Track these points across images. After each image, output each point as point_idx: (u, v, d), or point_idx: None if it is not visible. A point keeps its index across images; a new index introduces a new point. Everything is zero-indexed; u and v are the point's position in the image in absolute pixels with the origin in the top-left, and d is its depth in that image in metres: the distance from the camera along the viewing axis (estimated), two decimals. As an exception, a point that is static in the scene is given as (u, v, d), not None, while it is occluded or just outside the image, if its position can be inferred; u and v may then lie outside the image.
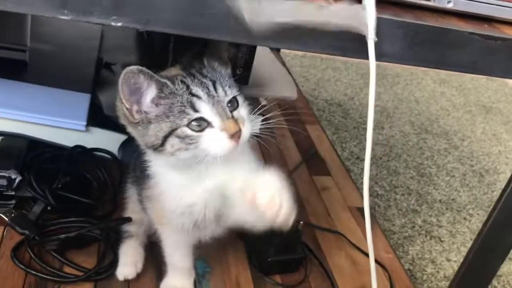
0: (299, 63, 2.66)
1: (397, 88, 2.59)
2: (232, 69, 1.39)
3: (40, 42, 1.18)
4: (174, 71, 0.76)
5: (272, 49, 2.04)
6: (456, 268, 1.49)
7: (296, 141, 1.52)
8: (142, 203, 0.93)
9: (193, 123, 0.70)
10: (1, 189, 1.01)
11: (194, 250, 0.92)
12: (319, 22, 0.56)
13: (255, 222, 0.78)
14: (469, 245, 1.58)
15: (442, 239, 1.60)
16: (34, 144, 1.12)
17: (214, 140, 0.70)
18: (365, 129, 2.07)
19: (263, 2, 0.55)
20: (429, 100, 2.56)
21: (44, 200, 1.00)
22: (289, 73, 1.91)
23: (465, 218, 1.71)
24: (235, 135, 0.70)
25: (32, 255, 0.93)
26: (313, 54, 2.74)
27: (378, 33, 0.59)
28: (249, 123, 0.74)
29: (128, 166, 1.06)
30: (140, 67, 0.67)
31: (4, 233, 0.99)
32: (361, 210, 1.29)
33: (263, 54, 1.73)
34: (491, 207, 1.80)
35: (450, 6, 0.66)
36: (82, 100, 1.17)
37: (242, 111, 0.74)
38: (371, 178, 1.80)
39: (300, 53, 2.75)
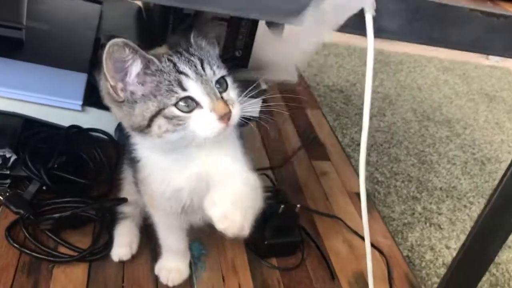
0: (301, 48, 2.63)
1: (400, 75, 2.56)
2: (231, 51, 1.38)
3: (37, 20, 1.17)
4: (160, 50, 0.73)
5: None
6: (454, 255, 1.48)
7: (296, 126, 1.51)
8: (136, 185, 0.92)
9: (181, 103, 0.67)
10: (-4, 168, 1.00)
11: (189, 232, 0.91)
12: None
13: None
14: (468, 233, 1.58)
15: (442, 226, 1.59)
16: (29, 123, 1.11)
17: (203, 121, 0.68)
18: (366, 115, 2.06)
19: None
20: (432, 87, 2.53)
21: (39, 179, 0.99)
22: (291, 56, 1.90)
23: (465, 206, 1.70)
24: (225, 117, 0.68)
25: (27, 235, 0.93)
26: (316, 40, 2.71)
27: (377, 8, 0.57)
28: (239, 106, 0.71)
29: (124, 146, 1.04)
30: (124, 40, 0.65)
31: (-1, 212, 0.98)
32: (359, 195, 1.28)
33: (263, 37, 1.71)
34: (492, 194, 1.79)
35: (451, -19, 0.64)
36: (79, 80, 1.15)
37: (232, 92, 0.72)
38: (371, 165, 1.79)
39: (302, 38, 2.72)
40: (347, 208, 1.22)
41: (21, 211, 0.94)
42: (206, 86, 0.69)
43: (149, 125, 0.68)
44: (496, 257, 0.87)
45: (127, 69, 0.67)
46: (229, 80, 0.73)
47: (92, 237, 0.97)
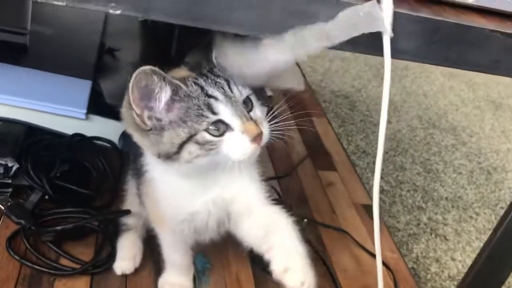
0: (306, 52, 2.61)
1: (406, 81, 2.54)
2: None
3: (41, 25, 1.15)
4: (182, 72, 0.71)
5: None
6: (461, 267, 1.46)
7: (301, 134, 1.49)
8: (140, 198, 0.90)
9: (211, 127, 0.65)
10: (-3, 177, 0.98)
11: (193, 246, 0.89)
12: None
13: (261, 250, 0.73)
14: (474, 244, 1.56)
15: (447, 237, 1.57)
16: (32, 131, 1.09)
17: (236, 144, 0.66)
18: (371, 122, 2.05)
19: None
20: (438, 94, 2.51)
21: (41, 189, 0.97)
22: (296, 63, 1.88)
23: (471, 217, 1.68)
24: (257, 138, 0.66)
25: (28, 246, 0.91)
26: (321, 44, 2.69)
27: (394, 28, 0.55)
28: (267, 124, 0.70)
29: (128, 156, 1.03)
30: (153, 68, 0.62)
31: (0, 222, 0.96)
32: (366, 207, 1.26)
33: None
34: (498, 205, 1.77)
35: (470, 1, 0.62)
36: (83, 87, 1.13)
37: (258, 111, 0.70)
38: (376, 173, 1.76)
39: (307, 42, 2.70)
40: (354, 221, 1.20)
41: (23, 221, 0.93)
42: (235, 107, 0.67)
43: (178, 151, 0.66)
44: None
45: (154, 97, 0.65)
46: (253, 98, 0.71)
47: (94, 249, 0.95)
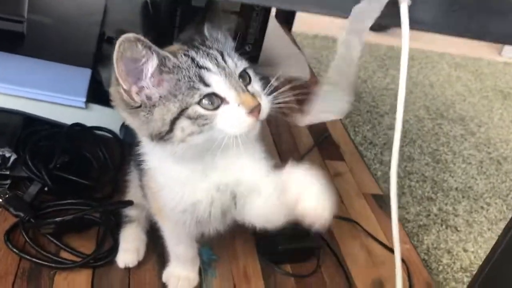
0: (310, 43, 2.57)
1: (412, 72, 2.50)
2: (240, 45, 1.31)
3: (39, 12, 1.11)
4: (173, 47, 0.67)
5: (283, 26, 1.97)
6: (473, 259, 1.42)
7: (308, 125, 1.45)
8: (143, 189, 0.86)
9: (204, 101, 0.61)
10: (-5, 168, 0.95)
11: (198, 238, 0.85)
12: None
13: (276, 221, 0.70)
14: (486, 235, 1.52)
15: (459, 228, 1.53)
16: (30, 121, 1.05)
17: (232, 117, 0.62)
18: (378, 113, 2.01)
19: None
20: (444, 84, 2.47)
21: (40, 180, 0.94)
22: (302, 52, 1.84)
23: (482, 207, 1.64)
24: (255, 110, 0.62)
25: (27, 239, 0.88)
26: (325, 35, 2.65)
27: (412, -4, 0.52)
28: (266, 98, 0.65)
29: (130, 145, 0.99)
30: (136, 35, 0.58)
31: (-2, 214, 0.93)
32: (376, 197, 1.22)
33: (274, 32, 1.65)
34: (510, 196, 1.73)
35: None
36: (83, 75, 1.09)
37: (256, 85, 0.66)
38: (384, 164, 1.73)
39: (311, 33, 2.66)
40: (364, 211, 1.16)
41: (21, 214, 0.89)
42: (230, 79, 0.62)
43: (171, 129, 0.62)
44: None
45: (141, 68, 0.61)
46: (251, 72, 0.66)
47: (96, 241, 0.92)
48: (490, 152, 1.97)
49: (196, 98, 0.61)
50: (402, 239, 1.13)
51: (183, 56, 0.63)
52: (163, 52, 0.62)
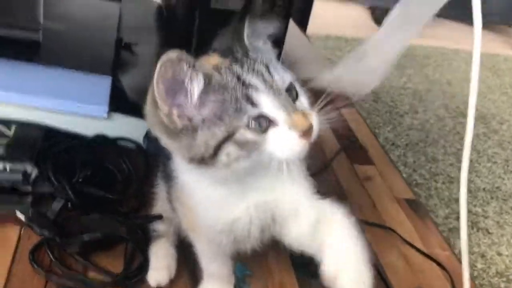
0: (323, 45, 2.53)
1: (428, 70, 2.45)
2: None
3: (54, 19, 1.07)
4: (212, 60, 0.60)
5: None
6: (508, 263, 1.37)
7: (332, 127, 1.40)
8: (171, 203, 0.81)
9: (252, 124, 0.55)
10: (17, 184, 0.90)
11: (234, 256, 0.80)
12: None
13: (311, 250, 0.67)
14: (519, 237, 1.47)
15: (490, 230, 1.47)
16: (51, 133, 1.01)
17: (282, 141, 0.56)
18: (397, 113, 1.96)
19: None
20: (462, 82, 2.41)
21: (64, 196, 0.90)
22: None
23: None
24: (307, 133, 0.56)
25: (53, 259, 0.83)
26: (338, 35, 2.61)
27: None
28: (317, 116, 0.58)
29: (155, 156, 0.95)
30: (179, 55, 0.52)
31: (21, 233, 0.89)
32: (409, 201, 1.18)
33: (294, 33, 1.61)
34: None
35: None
36: (103, 84, 1.05)
37: (304, 100, 0.60)
38: (408, 166, 1.67)
39: (324, 34, 2.61)
40: (398, 216, 1.12)
41: (46, 233, 0.85)
42: (279, 97, 0.56)
43: (215, 154, 0.56)
44: None
45: (184, 90, 0.55)
46: (297, 85, 0.60)
47: (124, 258, 0.87)
48: (515, 150, 1.91)
49: (245, 121, 0.55)
50: (440, 245, 1.09)
51: (227, 73, 0.57)
52: (209, 70, 0.56)
